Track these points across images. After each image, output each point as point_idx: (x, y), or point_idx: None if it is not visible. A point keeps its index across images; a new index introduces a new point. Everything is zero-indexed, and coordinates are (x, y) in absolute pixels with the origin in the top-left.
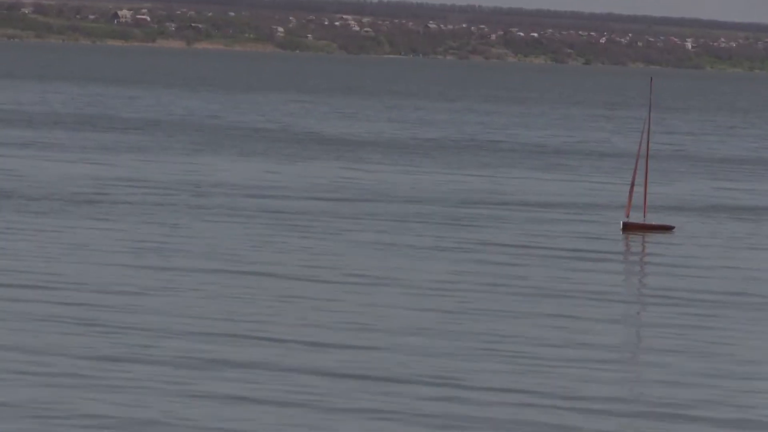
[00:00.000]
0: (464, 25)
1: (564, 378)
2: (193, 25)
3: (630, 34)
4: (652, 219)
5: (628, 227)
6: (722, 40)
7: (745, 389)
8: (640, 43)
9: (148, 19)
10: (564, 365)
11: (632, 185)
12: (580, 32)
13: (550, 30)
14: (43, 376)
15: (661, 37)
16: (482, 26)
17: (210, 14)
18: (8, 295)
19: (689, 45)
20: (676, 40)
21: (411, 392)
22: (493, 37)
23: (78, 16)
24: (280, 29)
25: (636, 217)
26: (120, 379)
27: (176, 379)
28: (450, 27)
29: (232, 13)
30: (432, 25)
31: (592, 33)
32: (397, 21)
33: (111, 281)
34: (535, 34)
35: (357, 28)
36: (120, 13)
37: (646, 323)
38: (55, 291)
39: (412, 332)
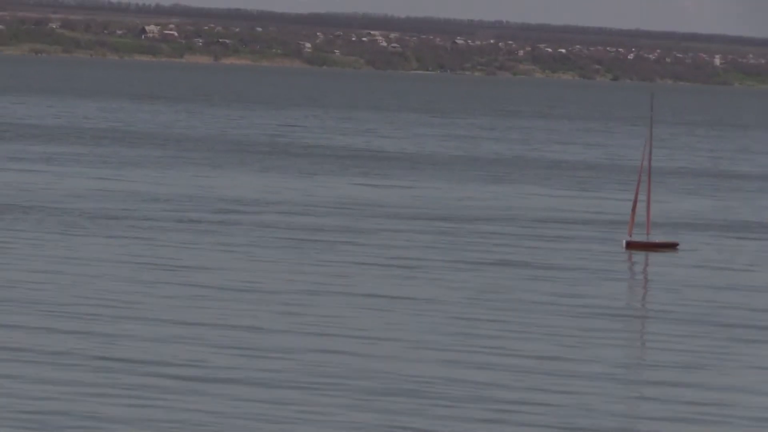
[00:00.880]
0: (492, 41)
1: (564, 396)
2: (220, 40)
3: (658, 50)
4: (656, 236)
5: (631, 246)
6: (750, 56)
7: (747, 411)
8: (668, 59)
9: (176, 34)
10: (565, 383)
11: (635, 202)
12: (608, 48)
13: (578, 46)
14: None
15: (690, 54)
16: (510, 42)
17: (237, 30)
18: (20, 313)
19: (717, 61)
20: (704, 56)
21: (410, 408)
22: (521, 53)
23: (105, 31)
24: (308, 45)
25: (639, 235)
26: (132, 404)
27: (190, 396)
28: (477, 43)
29: (259, 29)
30: (459, 41)
31: (620, 49)
32: (424, 37)
33: (125, 299)
34: (563, 50)
35: (384, 44)
36: (147, 28)
37: (649, 341)
38: (67, 309)
39: (412, 348)
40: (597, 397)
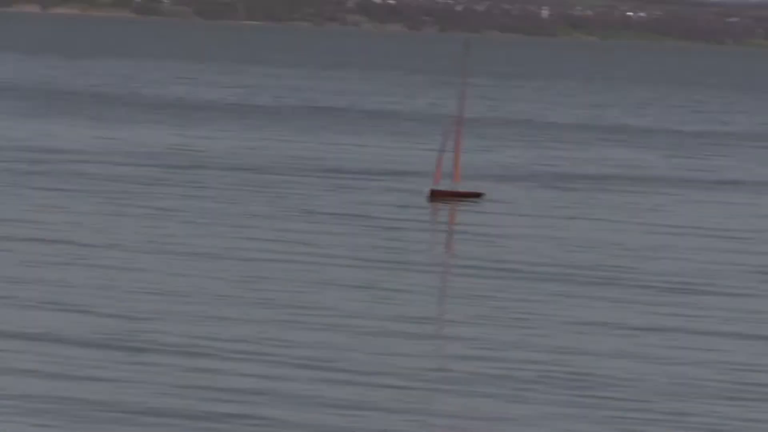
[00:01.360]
0: None
1: (366, 350)
2: None
3: (487, 2)
4: (463, 186)
5: (435, 194)
6: (578, 8)
7: (557, 359)
8: (496, 11)
9: None
10: (367, 337)
11: (442, 151)
12: (437, 0)
13: None
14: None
15: (517, 5)
16: None
17: None
18: None
19: (545, 13)
20: (532, 8)
21: (163, 360)
22: (350, 3)
23: None
24: None
25: (447, 184)
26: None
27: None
28: None
29: None
30: None
31: (449, 0)
32: None
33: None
34: (392, 1)
35: None
36: None
37: (450, 293)
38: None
39: (206, 300)
40: (397, 347)
